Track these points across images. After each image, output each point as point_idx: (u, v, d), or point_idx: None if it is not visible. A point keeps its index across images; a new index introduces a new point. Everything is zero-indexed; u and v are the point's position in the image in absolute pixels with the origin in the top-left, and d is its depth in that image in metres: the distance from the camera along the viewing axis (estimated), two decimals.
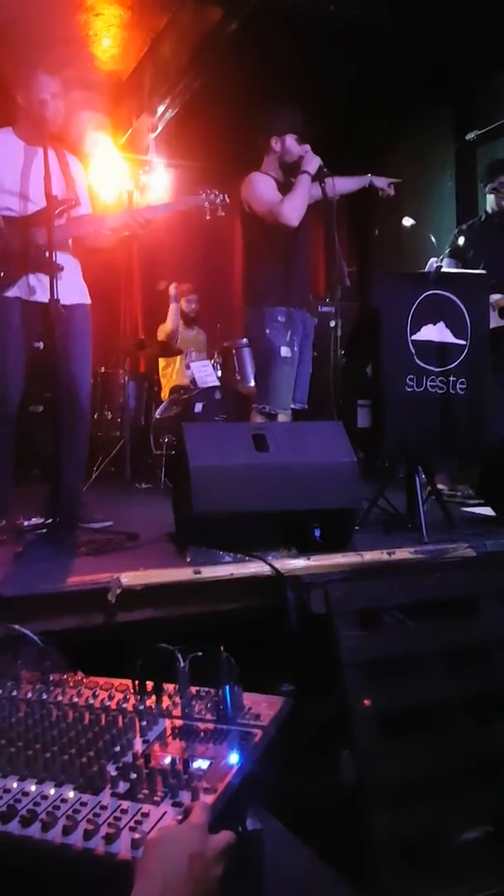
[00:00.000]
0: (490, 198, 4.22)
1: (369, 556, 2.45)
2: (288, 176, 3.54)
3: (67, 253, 2.98)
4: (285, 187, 3.49)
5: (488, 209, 4.26)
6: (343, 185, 3.56)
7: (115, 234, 3.09)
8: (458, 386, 2.94)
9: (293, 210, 3.38)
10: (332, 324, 3.83)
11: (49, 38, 5.02)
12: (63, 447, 2.89)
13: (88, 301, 3.12)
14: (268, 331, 3.46)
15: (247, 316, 3.65)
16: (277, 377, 3.49)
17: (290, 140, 3.53)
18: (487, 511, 3.39)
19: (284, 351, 3.44)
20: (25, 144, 2.95)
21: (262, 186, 3.50)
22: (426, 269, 2.97)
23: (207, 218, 3.23)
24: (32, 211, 2.88)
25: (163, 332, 6.04)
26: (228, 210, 3.28)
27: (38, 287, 2.90)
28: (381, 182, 3.74)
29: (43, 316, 2.85)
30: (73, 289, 2.98)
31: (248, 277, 3.71)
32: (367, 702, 2.14)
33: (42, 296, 2.85)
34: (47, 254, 2.70)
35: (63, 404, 2.91)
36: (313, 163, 3.45)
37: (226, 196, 3.24)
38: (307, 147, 3.51)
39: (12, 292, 2.89)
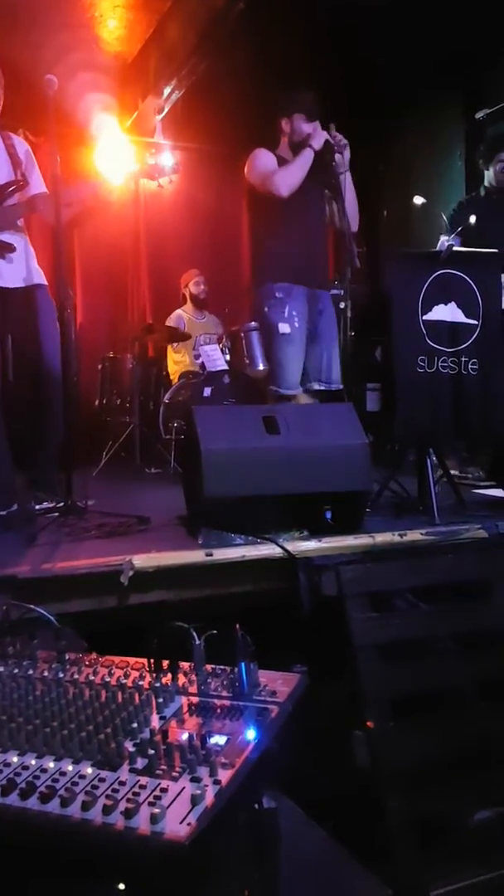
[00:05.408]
0: (489, 173, 4.12)
1: (381, 538, 2.44)
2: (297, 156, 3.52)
3: (18, 233, 2.95)
4: None
5: (487, 184, 4.18)
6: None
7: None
8: (469, 366, 2.91)
9: (284, 180, 3.37)
10: (342, 305, 3.79)
11: (56, 22, 4.99)
12: (39, 428, 3.00)
13: (45, 282, 3.09)
14: (266, 308, 3.45)
15: (252, 296, 3.63)
16: (280, 356, 3.48)
17: (298, 120, 3.53)
18: (499, 493, 3.37)
19: (283, 327, 3.41)
20: None
21: (259, 160, 3.52)
22: (437, 248, 2.93)
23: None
24: None
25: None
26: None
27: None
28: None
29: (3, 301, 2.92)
30: (31, 270, 2.98)
31: (251, 256, 3.69)
32: (379, 684, 2.14)
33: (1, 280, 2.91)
34: None
35: (38, 386, 2.96)
36: (319, 139, 3.43)
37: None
38: (316, 124, 3.49)
39: None
